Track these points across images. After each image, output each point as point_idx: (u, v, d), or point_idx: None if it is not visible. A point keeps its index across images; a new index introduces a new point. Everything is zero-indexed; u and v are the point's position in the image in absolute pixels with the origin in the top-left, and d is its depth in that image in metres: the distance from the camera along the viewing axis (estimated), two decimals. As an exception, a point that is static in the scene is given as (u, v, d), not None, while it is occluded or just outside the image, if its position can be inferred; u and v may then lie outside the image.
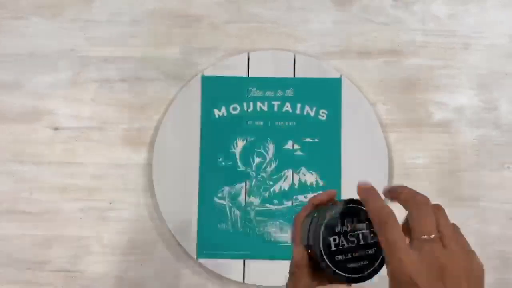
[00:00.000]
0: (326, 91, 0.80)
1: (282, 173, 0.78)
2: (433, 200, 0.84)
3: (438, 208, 0.42)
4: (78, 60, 0.82)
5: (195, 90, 0.80)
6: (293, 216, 0.52)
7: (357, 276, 0.45)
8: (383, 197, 0.43)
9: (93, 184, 0.80)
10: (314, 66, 0.80)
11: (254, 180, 0.78)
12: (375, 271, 0.45)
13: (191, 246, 0.77)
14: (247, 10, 0.83)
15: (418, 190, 0.85)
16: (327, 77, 0.80)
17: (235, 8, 0.83)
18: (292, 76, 0.80)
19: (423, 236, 0.40)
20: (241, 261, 0.77)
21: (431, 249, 0.40)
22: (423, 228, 0.41)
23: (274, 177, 0.78)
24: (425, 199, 0.42)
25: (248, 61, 0.81)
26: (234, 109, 0.80)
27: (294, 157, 0.79)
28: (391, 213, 0.41)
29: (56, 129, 0.81)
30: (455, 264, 0.39)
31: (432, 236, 0.40)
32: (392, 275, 0.40)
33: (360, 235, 0.45)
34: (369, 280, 0.45)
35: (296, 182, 0.78)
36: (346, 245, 0.45)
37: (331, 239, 0.45)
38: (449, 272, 0.39)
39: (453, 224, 0.42)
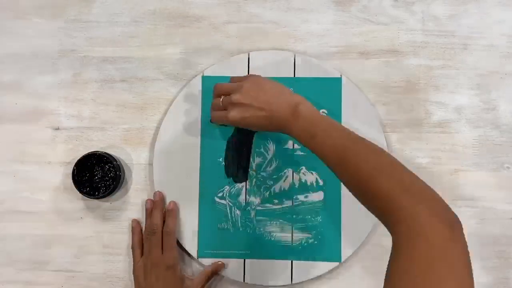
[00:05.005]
0: (326, 91, 0.80)
1: (282, 173, 0.78)
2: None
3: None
4: (78, 60, 0.82)
5: (195, 90, 0.80)
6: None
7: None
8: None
9: (93, 184, 0.80)
10: (314, 66, 0.80)
11: (254, 180, 0.78)
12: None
13: (192, 246, 0.77)
14: (247, 10, 0.83)
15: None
16: (327, 77, 0.80)
17: (235, 8, 0.83)
18: (292, 76, 0.80)
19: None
20: (241, 260, 0.77)
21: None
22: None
23: (274, 176, 0.78)
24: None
25: (248, 61, 0.81)
26: (234, 109, 0.80)
27: (294, 157, 0.79)
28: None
29: (56, 129, 0.81)
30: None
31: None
32: None
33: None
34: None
35: (296, 181, 0.78)
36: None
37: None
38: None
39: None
